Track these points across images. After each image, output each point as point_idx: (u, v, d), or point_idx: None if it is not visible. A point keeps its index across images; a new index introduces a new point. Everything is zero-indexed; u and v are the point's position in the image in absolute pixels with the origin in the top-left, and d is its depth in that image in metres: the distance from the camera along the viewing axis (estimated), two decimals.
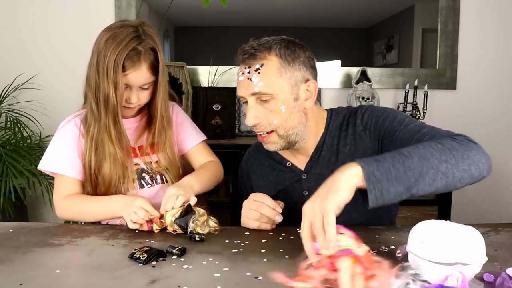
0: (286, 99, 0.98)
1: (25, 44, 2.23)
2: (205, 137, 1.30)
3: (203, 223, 0.93)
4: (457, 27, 2.28)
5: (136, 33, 1.05)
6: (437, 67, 2.31)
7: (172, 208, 0.95)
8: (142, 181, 1.16)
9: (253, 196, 1.00)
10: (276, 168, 1.13)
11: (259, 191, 1.12)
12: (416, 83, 2.17)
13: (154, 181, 1.18)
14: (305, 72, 1.01)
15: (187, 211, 0.94)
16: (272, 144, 1.03)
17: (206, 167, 1.22)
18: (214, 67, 2.25)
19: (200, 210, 0.95)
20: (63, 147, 1.12)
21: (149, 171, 1.18)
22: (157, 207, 0.99)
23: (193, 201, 0.98)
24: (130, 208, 0.96)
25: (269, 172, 1.14)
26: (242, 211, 1.01)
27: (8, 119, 2.08)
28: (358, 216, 1.01)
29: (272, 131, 1.01)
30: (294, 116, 1.00)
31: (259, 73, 0.96)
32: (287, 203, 1.02)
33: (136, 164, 1.16)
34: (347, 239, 0.71)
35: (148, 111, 1.19)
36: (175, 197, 0.96)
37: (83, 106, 1.15)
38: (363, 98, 2.15)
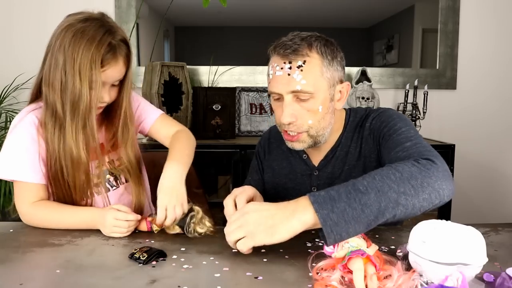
0: (324, 99, 0.96)
1: (25, 44, 2.23)
2: (162, 112, 1.24)
3: (200, 220, 0.94)
4: (457, 27, 2.29)
5: (105, 26, 0.98)
6: (437, 67, 2.31)
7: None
8: (107, 184, 1.10)
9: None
10: (293, 156, 1.12)
11: (270, 172, 1.15)
12: (416, 83, 2.17)
13: (118, 181, 1.13)
14: (340, 72, 1.00)
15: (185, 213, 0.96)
16: (300, 143, 1.00)
17: (180, 140, 1.15)
18: (214, 67, 2.25)
19: (195, 208, 0.96)
20: (21, 151, 1.01)
21: (112, 171, 1.12)
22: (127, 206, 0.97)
23: (185, 206, 0.96)
24: (107, 226, 0.92)
25: (284, 157, 1.13)
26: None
27: (8, 119, 2.07)
28: None
29: (303, 131, 0.98)
30: (327, 116, 0.98)
31: (301, 70, 0.92)
32: (295, 194, 1.01)
33: (98, 166, 1.08)
34: (357, 240, 0.71)
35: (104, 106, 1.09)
36: (173, 210, 0.94)
37: (34, 102, 1.07)
38: (363, 98, 2.15)
